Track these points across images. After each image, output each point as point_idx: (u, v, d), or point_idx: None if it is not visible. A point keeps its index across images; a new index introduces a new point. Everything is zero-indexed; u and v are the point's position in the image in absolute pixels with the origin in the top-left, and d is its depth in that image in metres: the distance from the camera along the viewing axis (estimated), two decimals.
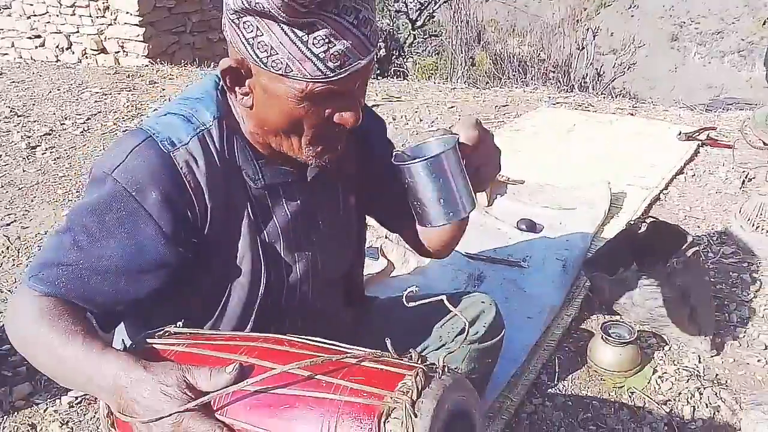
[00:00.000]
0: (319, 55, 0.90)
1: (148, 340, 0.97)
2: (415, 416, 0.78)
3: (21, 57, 6.57)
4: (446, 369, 0.85)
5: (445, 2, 10.32)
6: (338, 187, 1.25)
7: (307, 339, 0.94)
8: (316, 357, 0.86)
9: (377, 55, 1.02)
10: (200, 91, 1.09)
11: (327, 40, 0.90)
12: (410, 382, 0.81)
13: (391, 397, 0.79)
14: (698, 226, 2.64)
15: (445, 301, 0.95)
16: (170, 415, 0.83)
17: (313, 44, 0.90)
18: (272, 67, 0.92)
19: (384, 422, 0.78)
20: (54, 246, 1.00)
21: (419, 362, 0.87)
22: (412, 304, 1.24)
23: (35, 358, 0.96)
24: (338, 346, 0.92)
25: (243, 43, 0.93)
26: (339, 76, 0.93)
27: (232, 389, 0.84)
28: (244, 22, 0.91)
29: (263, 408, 0.84)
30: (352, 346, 0.91)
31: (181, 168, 1.01)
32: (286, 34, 0.89)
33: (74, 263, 0.97)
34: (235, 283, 1.12)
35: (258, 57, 0.93)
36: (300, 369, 0.84)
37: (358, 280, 1.45)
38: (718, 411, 1.74)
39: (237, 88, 1.00)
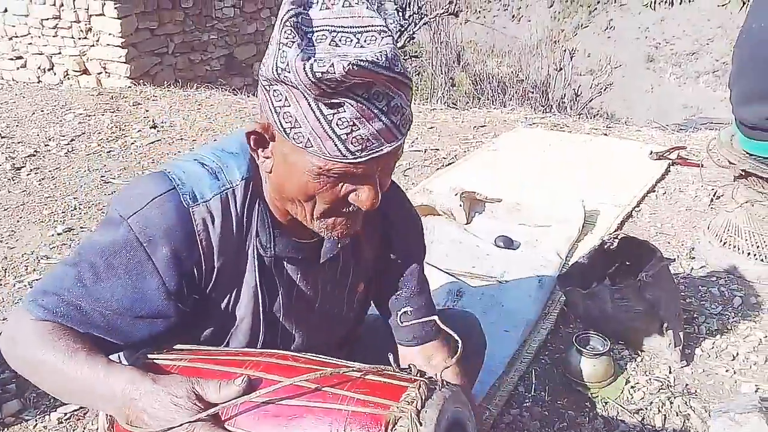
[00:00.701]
0: (341, 136, 0.88)
1: (149, 356, 1.01)
2: (420, 425, 0.82)
3: (2, 78, 6.58)
4: (444, 382, 0.90)
5: (425, 24, 10.46)
6: (350, 273, 1.22)
7: (310, 355, 0.99)
8: (321, 370, 0.90)
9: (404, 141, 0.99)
10: (237, 145, 1.08)
11: (351, 123, 0.87)
12: (414, 393, 0.86)
13: (397, 407, 0.84)
14: (669, 242, 2.72)
15: (438, 322, 0.99)
16: (181, 425, 0.86)
17: (337, 125, 0.88)
18: (294, 138, 0.91)
19: (391, 430, 0.83)
20: (59, 276, 1.00)
21: (419, 375, 0.92)
22: (404, 324, 1.29)
23: (37, 377, 0.98)
24: (340, 361, 0.97)
25: (270, 109, 0.92)
26: (359, 160, 0.90)
27: (241, 400, 0.88)
28: (273, 90, 0.91)
29: (271, 418, 0.87)
30: (353, 362, 0.96)
31: (197, 225, 1.01)
32: (312, 109, 0.88)
33: (75, 297, 0.98)
34: (232, 336, 1.12)
35: (282, 126, 0.91)
36: (307, 381, 0.88)
37: (357, 334, 1.42)
38: (688, 419, 1.81)
39: (260, 151, 0.99)
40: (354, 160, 0.90)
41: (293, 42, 0.87)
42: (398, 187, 1.26)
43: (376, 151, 0.90)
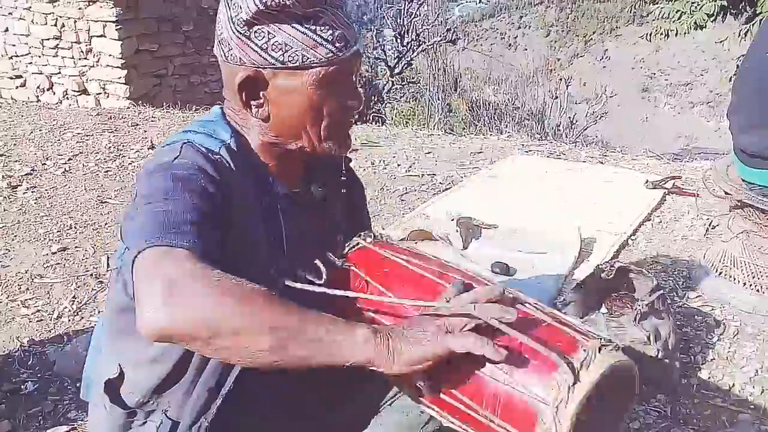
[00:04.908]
0: (327, 38, 1.04)
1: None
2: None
3: (1, 97, 6.60)
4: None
5: (422, 51, 10.56)
6: (331, 222, 1.31)
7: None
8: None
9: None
10: (213, 116, 1.18)
11: (330, 26, 1.05)
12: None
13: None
14: (664, 271, 2.72)
15: None
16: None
17: (321, 31, 1.04)
18: (289, 61, 1.04)
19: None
20: (160, 212, 0.95)
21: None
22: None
23: (241, 323, 0.83)
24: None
25: (256, 51, 1.04)
26: (346, 55, 1.06)
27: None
28: (254, 32, 1.04)
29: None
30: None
31: (219, 166, 1.07)
32: (296, 29, 1.03)
33: (193, 221, 0.95)
34: (244, 267, 1.08)
35: (274, 58, 1.04)
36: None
37: None
38: None
39: (252, 102, 1.10)
40: (342, 57, 1.06)
41: None
42: (353, 170, 1.43)
43: (353, 45, 1.08)
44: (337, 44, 1.05)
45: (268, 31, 1.03)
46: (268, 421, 1.24)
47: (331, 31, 1.05)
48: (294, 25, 1.03)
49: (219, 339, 0.83)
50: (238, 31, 1.05)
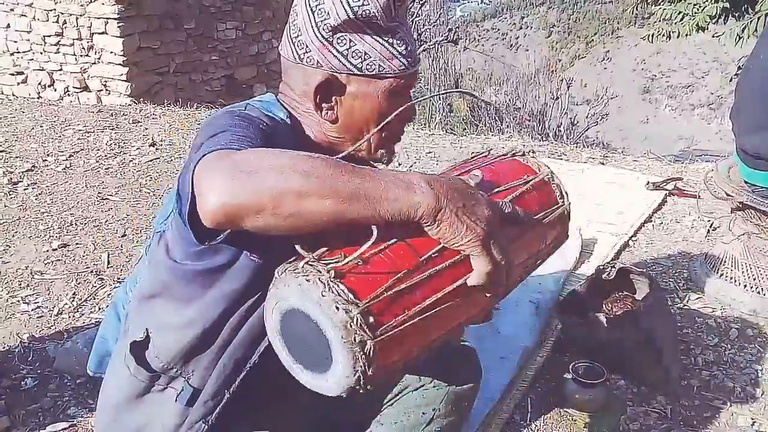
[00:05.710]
0: (402, 52, 1.13)
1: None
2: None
3: (2, 93, 6.59)
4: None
5: (424, 50, 10.56)
6: None
7: None
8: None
9: None
10: (268, 98, 1.22)
11: (404, 41, 1.14)
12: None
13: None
14: (665, 273, 2.72)
15: None
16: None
17: (397, 45, 1.13)
18: (367, 69, 1.12)
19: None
20: (223, 136, 0.99)
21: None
22: None
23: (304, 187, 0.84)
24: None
25: (336, 57, 1.11)
26: (414, 68, 1.16)
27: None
28: (337, 38, 1.10)
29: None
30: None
31: (279, 132, 1.12)
32: (376, 40, 1.11)
33: (257, 143, 1.00)
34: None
35: (352, 64, 1.12)
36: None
37: None
38: None
39: (323, 105, 1.16)
40: (411, 71, 1.16)
41: None
42: None
43: (417, 62, 1.18)
44: (408, 59, 1.14)
45: (350, 39, 1.10)
46: (278, 404, 1.25)
47: (404, 47, 1.13)
48: (375, 36, 1.11)
49: (285, 205, 0.83)
50: (321, 36, 1.10)
